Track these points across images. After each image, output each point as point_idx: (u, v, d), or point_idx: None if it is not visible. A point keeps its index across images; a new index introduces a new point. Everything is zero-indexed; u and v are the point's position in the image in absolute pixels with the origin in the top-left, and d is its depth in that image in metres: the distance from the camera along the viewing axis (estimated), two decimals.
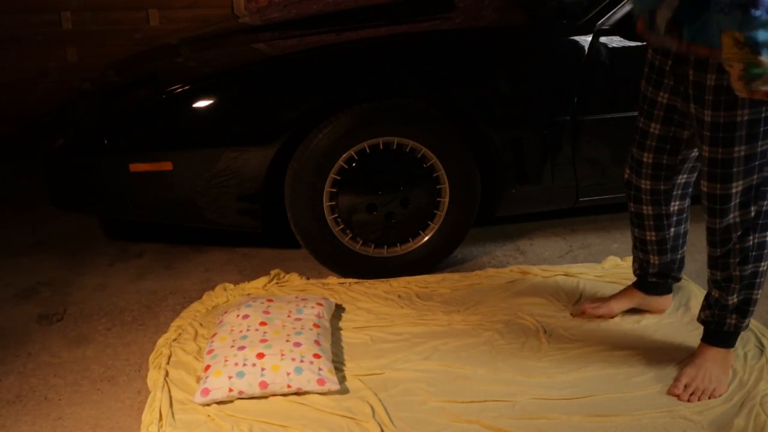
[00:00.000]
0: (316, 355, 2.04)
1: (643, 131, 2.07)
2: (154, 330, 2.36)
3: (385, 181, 2.61)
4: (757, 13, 1.52)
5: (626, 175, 2.18)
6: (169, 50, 3.20)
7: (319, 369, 2.00)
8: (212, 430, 1.86)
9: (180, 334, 2.27)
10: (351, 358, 2.17)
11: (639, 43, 2.59)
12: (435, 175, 2.60)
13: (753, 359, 2.12)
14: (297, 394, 1.97)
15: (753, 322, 2.30)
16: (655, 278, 2.30)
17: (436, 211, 2.65)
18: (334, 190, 2.56)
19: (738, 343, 2.13)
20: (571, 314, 2.38)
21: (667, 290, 2.35)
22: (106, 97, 2.82)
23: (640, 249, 2.26)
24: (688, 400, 1.97)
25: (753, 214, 1.90)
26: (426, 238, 2.67)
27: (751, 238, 1.92)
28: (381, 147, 2.54)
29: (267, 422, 1.88)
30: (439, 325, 2.34)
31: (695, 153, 2.04)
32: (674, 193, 2.14)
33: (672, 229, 2.19)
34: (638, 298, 2.35)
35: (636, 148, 2.12)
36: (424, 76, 2.56)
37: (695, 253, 2.71)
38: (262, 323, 2.15)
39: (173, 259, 2.86)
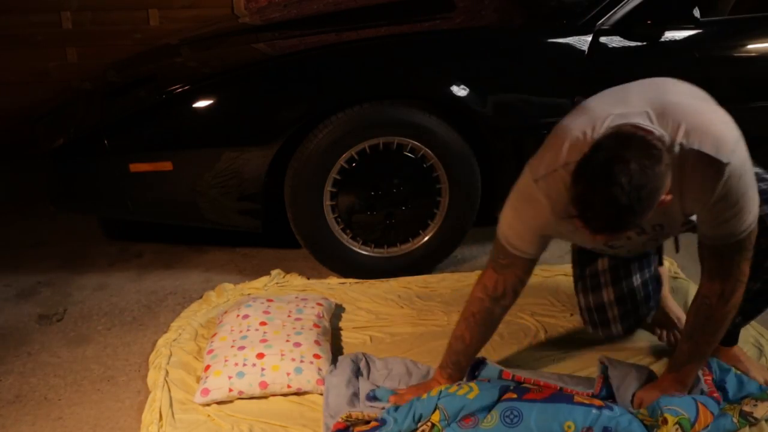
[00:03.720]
0: (316, 356, 2.04)
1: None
2: (154, 330, 2.36)
3: (385, 181, 2.61)
4: None
5: None
6: (169, 50, 3.20)
7: (319, 369, 2.00)
8: (212, 430, 1.85)
9: (180, 334, 2.26)
10: None
11: (639, 43, 2.60)
12: (435, 175, 2.60)
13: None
14: (297, 394, 1.97)
15: (752, 323, 2.29)
16: None
17: (436, 211, 2.65)
18: (335, 190, 2.56)
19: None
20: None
21: None
22: (106, 97, 2.82)
23: None
24: None
25: None
26: (426, 238, 2.67)
27: None
28: (381, 147, 2.54)
29: (267, 422, 1.87)
30: (439, 325, 2.34)
31: None
32: None
33: None
34: None
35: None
36: (424, 76, 2.56)
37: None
38: (262, 323, 2.15)
39: (173, 259, 2.86)
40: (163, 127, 2.53)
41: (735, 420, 1.76)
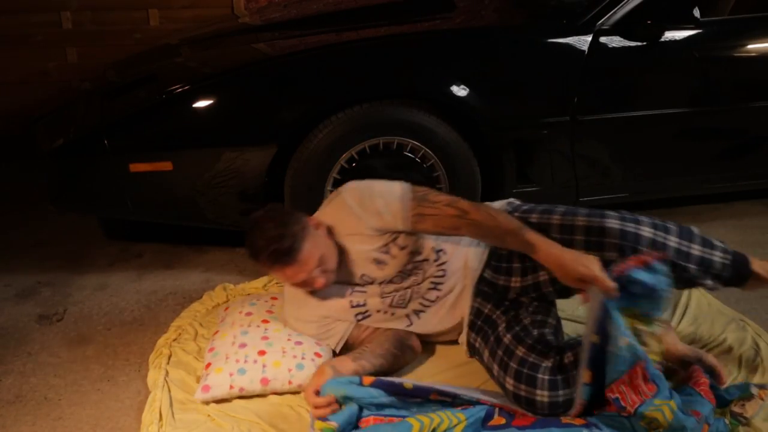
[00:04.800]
0: (318, 354, 2.04)
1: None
2: (154, 330, 2.36)
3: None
4: None
5: None
6: (169, 50, 3.20)
7: None
8: (212, 430, 1.85)
9: (180, 334, 2.27)
10: None
11: (639, 43, 2.60)
12: (435, 175, 2.60)
13: (749, 360, 2.11)
14: (298, 392, 1.97)
15: (751, 323, 2.29)
16: None
17: None
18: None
19: (735, 344, 2.15)
20: None
21: None
22: (106, 97, 2.82)
23: None
24: None
25: None
26: None
27: None
28: (381, 147, 2.54)
29: (267, 422, 1.87)
30: None
31: None
32: None
33: None
34: None
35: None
36: (424, 76, 2.57)
37: None
38: (265, 321, 2.15)
39: (173, 259, 2.86)
40: (163, 127, 2.53)
41: (727, 422, 1.77)
